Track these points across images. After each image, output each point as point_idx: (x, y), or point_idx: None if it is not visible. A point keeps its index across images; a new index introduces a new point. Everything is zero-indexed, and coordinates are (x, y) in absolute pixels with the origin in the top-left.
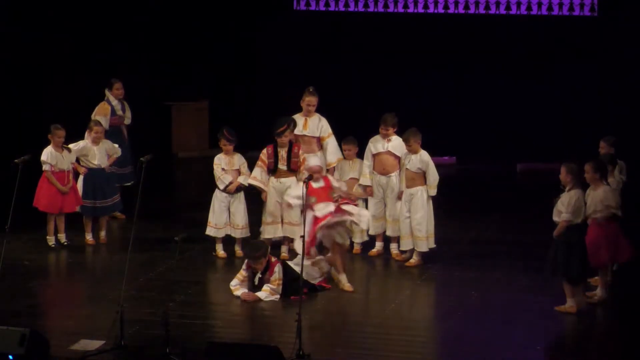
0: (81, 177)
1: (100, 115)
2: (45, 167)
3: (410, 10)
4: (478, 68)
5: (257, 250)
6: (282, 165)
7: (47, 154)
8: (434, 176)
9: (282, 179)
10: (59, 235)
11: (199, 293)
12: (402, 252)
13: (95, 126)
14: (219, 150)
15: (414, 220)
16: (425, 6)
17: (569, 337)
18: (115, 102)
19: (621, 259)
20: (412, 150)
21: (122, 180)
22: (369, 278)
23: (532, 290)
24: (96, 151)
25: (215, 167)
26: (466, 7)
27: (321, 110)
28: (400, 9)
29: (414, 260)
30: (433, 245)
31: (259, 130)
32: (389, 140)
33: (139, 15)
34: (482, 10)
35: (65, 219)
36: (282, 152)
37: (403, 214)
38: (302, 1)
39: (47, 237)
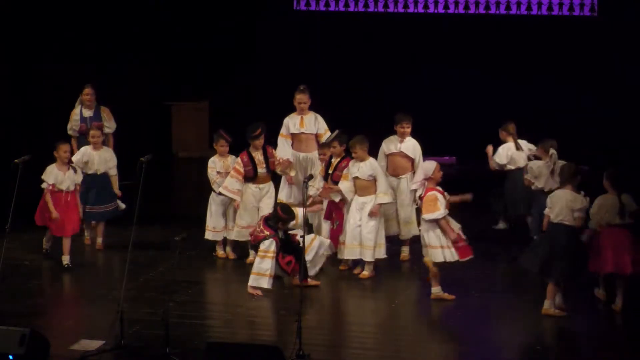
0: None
1: (69, 122)
2: (43, 185)
3: (410, 10)
4: (478, 68)
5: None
6: (262, 169)
7: (49, 173)
8: (385, 184)
9: (261, 185)
10: (63, 257)
11: (199, 293)
12: (345, 260)
13: (91, 130)
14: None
15: (365, 229)
16: (425, 6)
17: (569, 337)
18: (84, 109)
19: (618, 270)
20: (358, 158)
21: None
22: (369, 278)
23: (533, 290)
24: (95, 157)
25: (210, 170)
26: (466, 7)
27: (320, 109)
28: (400, 9)
29: (367, 272)
30: (383, 256)
31: None
32: (402, 141)
33: (139, 16)
34: (482, 10)
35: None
36: (258, 156)
37: (355, 222)
38: (302, 1)
39: (63, 258)
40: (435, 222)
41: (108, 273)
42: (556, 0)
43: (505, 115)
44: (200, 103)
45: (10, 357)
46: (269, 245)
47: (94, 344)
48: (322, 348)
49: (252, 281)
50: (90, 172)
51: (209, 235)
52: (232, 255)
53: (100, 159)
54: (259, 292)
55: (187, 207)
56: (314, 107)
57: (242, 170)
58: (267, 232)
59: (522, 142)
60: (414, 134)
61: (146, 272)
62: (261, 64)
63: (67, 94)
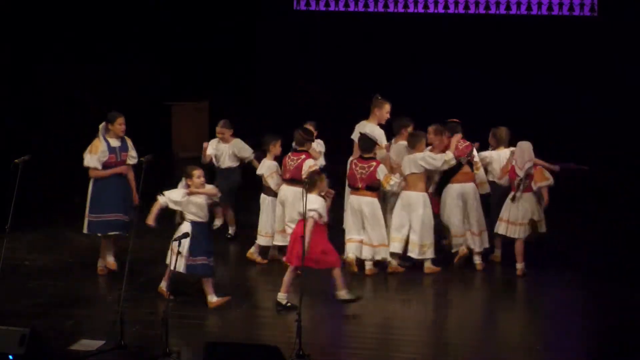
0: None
1: (93, 153)
2: (314, 215)
3: (410, 10)
4: (478, 68)
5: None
6: None
7: (318, 202)
8: None
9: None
10: (339, 292)
11: (199, 293)
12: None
13: (194, 170)
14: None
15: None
16: (425, 6)
17: (569, 336)
18: (112, 139)
19: None
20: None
21: (122, 228)
22: (369, 278)
23: (532, 290)
24: (196, 201)
25: (274, 175)
26: (466, 7)
27: (320, 109)
28: (400, 9)
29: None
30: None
31: (259, 131)
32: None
33: (139, 16)
34: (482, 10)
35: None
36: None
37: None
38: (302, 1)
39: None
40: (540, 191)
41: (108, 273)
42: (556, 0)
43: (505, 115)
44: (200, 103)
45: (10, 357)
46: None
47: (94, 344)
48: (322, 348)
49: None
50: (198, 220)
51: (279, 240)
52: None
53: (200, 204)
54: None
55: None
56: (314, 107)
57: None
58: None
59: None
60: None
61: (146, 272)
62: (261, 64)
63: (67, 94)
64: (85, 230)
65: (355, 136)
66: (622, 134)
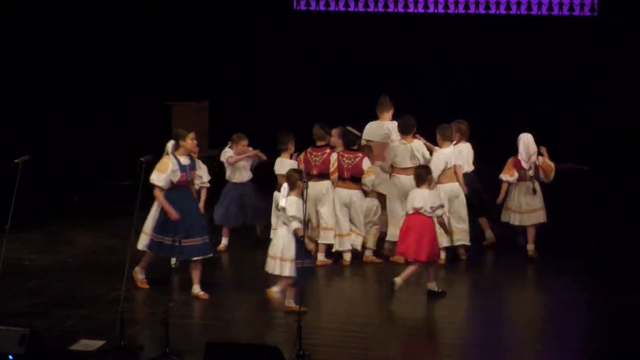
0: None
1: (161, 172)
2: (444, 212)
3: (411, 10)
4: (478, 68)
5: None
6: None
7: (434, 196)
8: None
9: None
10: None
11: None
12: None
13: (299, 182)
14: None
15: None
16: (426, 6)
17: (569, 336)
18: (182, 157)
19: None
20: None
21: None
22: (369, 279)
23: (532, 290)
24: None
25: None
26: (466, 7)
27: (319, 109)
28: (400, 9)
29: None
30: None
31: (259, 131)
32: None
33: (139, 16)
34: (482, 10)
35: None
36: None
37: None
38: (302, 1)
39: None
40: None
41: (108, 273)
42: (556, 0)
43: (504, 115)
44: (200, 103)
45: (10, 357)
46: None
47: (94, 344)
48: (322, 348)
49: None
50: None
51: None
52: None
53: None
54: None
55: None
56: (314, 107)
57: None
58: None
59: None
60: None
61: (146, 272)
62: (261, 64)
63: (68, 93)
64: (142, 247)
65: (370, 136)
66: (622, 134)
